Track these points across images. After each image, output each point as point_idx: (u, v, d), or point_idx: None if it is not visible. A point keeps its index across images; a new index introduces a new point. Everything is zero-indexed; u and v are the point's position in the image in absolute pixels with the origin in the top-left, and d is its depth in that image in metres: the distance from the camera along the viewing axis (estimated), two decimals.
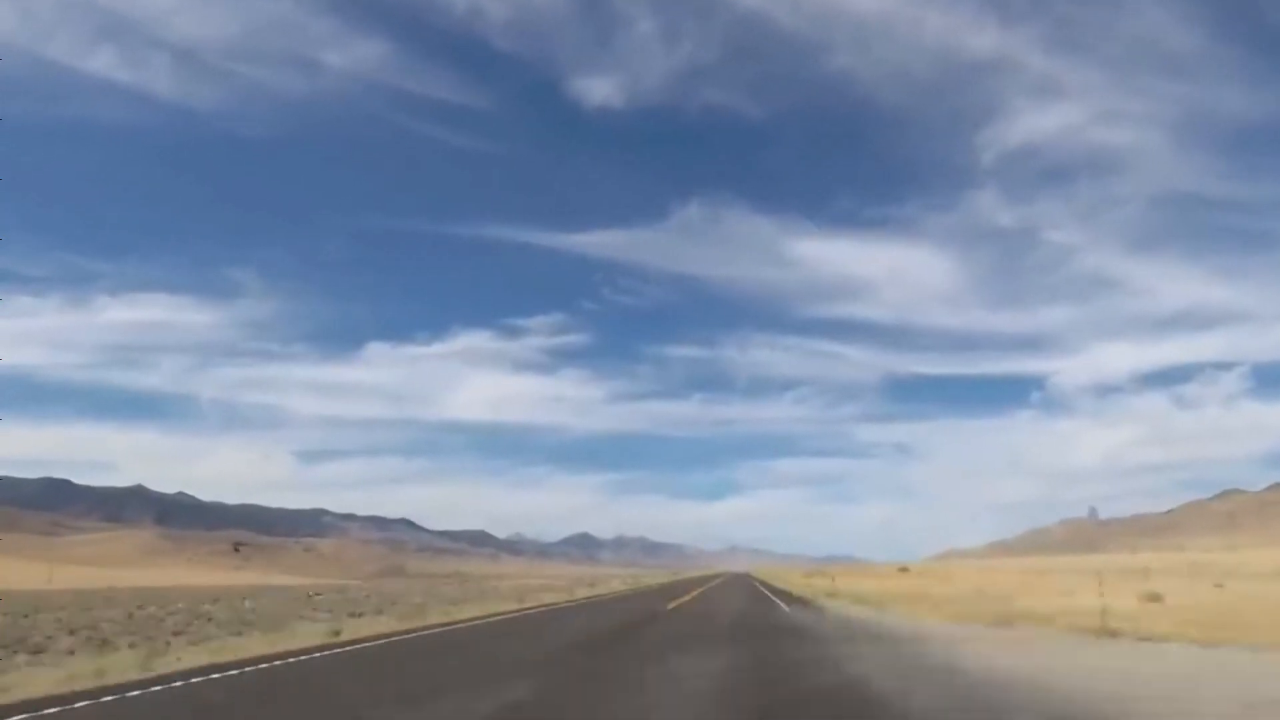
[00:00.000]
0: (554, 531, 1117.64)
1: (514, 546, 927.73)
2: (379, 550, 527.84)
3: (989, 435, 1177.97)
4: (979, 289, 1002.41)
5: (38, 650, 18.81)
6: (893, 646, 16.08)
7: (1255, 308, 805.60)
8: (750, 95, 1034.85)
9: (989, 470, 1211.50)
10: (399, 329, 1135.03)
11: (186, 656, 14.89)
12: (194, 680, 11.71)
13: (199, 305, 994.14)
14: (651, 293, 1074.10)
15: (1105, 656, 13.81)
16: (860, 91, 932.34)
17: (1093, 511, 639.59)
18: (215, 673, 12.44)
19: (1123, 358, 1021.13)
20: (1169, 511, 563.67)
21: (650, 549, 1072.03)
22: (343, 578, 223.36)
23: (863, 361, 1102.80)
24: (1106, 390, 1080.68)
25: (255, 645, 17.04)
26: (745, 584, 69.87)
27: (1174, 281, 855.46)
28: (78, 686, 11.12)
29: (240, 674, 12.48)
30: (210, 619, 33.28)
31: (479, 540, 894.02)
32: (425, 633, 20.42)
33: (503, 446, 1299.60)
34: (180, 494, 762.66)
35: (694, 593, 45.51)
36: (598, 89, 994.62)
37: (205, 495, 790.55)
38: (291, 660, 14.38)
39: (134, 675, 12.13)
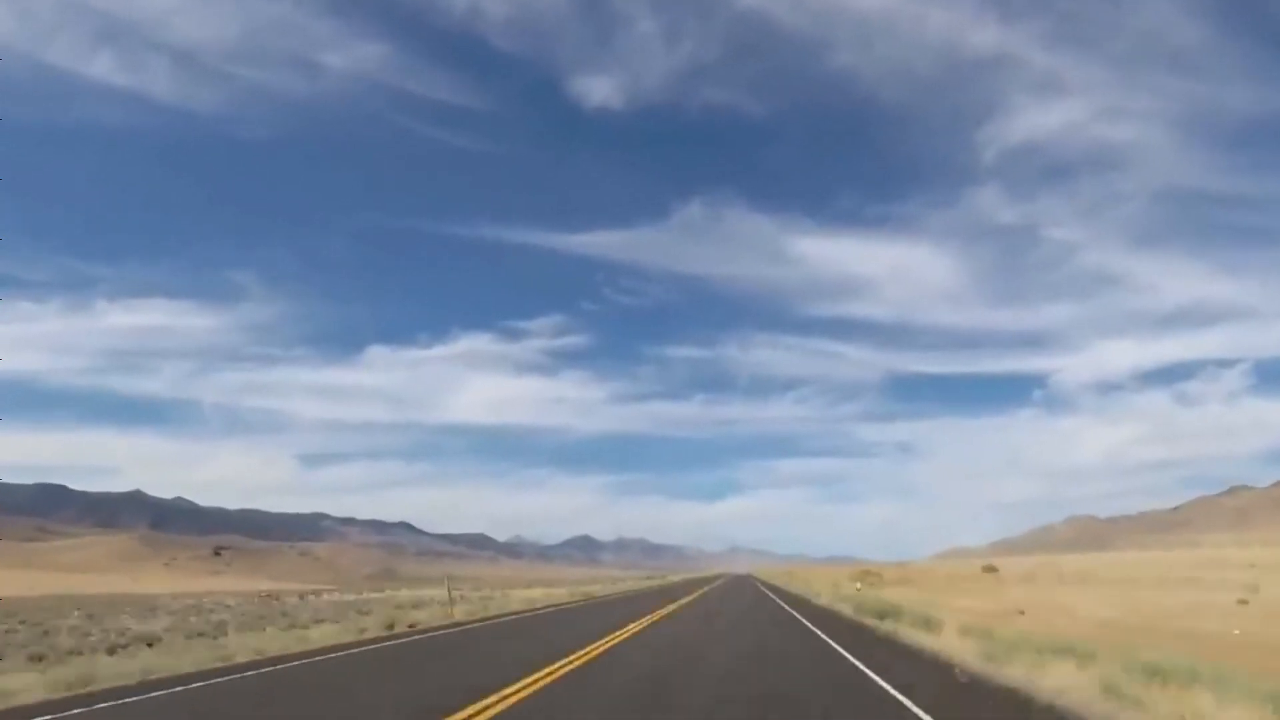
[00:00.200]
0: (554, 534, 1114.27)
1: (514, 549, 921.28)
2: (376, 554, 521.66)
3: (991, 434, 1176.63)
4: (980, 287, 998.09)
5: None
6: None
7: (1258, 304, 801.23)
8: (751, 94, 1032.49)
9: (991, 469, 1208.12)
10: (400, 332, 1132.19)
11: None
12: None
13: (200, 309, 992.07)
14: (652, 293, 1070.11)
15: None
16: (862, 89, 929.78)
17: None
18: None
19: (1125, 355, 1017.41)
20: (1177, 508, 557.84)
21: (651, 550, 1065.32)
22: (333, 582, 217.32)
23: (864, 361, 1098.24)
24: (1108, 388, 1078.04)
25: None
26: (751, 599, 41.09)
27: (1176, 278, 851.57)
28: None
29: None
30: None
31: (479, 543, 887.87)
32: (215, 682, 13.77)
33: (504, 449, 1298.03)
34: (178, 499, 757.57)
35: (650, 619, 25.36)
36: (598, 88, 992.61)
37: (205, 500, 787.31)
38: None
39: None
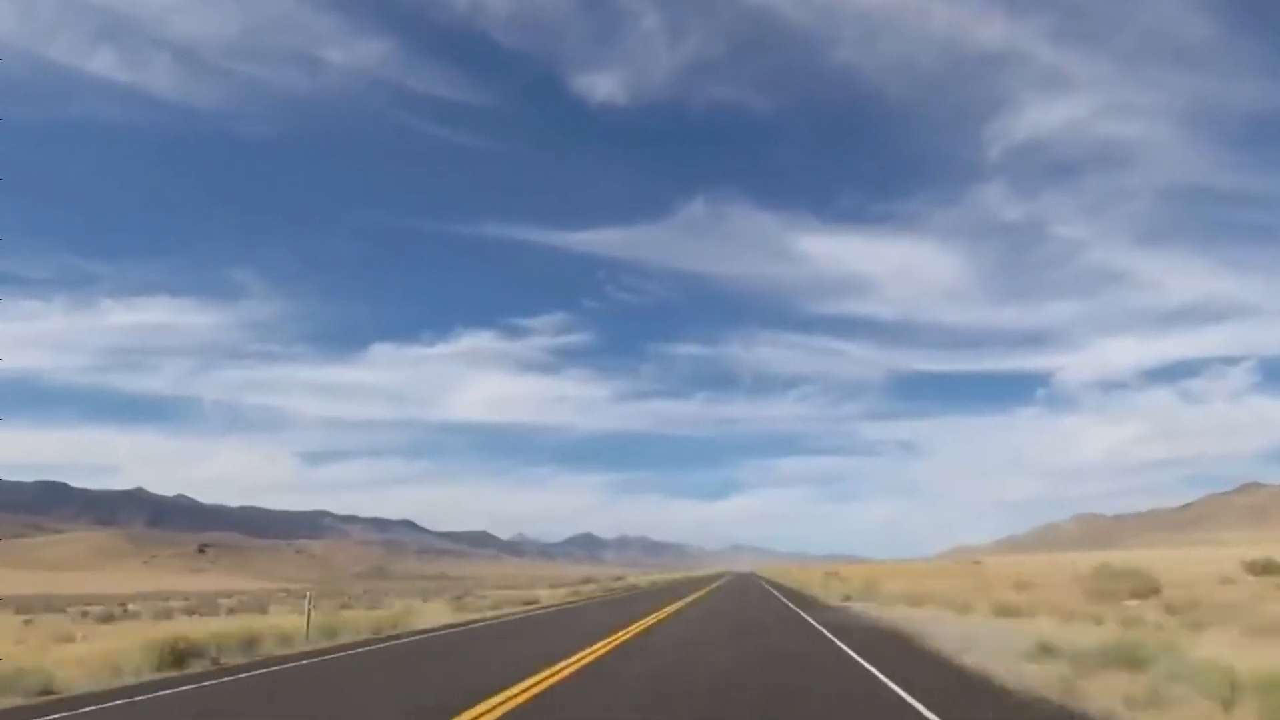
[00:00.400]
0: (557, 532, 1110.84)
1: (516, 547, 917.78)
2: (374, 552, 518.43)
3: (994, 433, 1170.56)
4: (984, 285, 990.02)
5: None
6: None
7: (1262, 301, 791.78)
8: (755, 90, 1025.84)
9: (994, 468, 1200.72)
10: (403, 330, 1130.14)
11: None
12: None
13: (201, 307, 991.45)
14: (655, 291, 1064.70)
15: None
16: (866, 86, 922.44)
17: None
18: None
19: (1128, 353, 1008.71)
20: (1185, 506, 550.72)
21: (652, 549, 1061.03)
22: (325, 580, 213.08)
23: (867, 359, 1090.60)
24: (1112, 386, 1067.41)
25: None
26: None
27: (1181, 275, 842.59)
28: None
29: None
30: None
31: (480, 541, 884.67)
32: None
33: (506, 447, 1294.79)
34: (179, 496, 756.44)
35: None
36: (601, 85, 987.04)
37: (206, 498, 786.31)
38: None
39: None
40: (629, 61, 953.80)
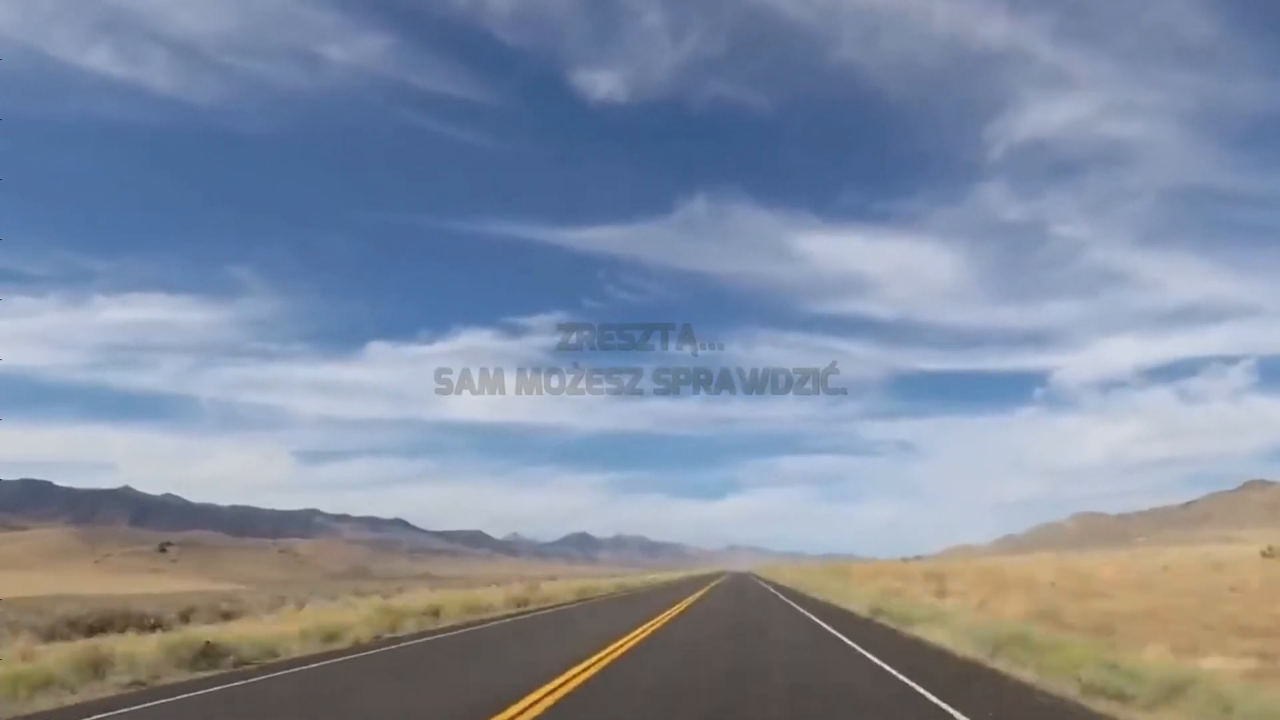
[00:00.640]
0: (552, 531, 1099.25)
1: (510, 547, 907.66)
2: (363, 551, 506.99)
3: (993, 432, 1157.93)
4: (985, 284, 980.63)
5: None
6: None
7: (1263, 301, 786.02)
8: (757, 88, 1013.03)
9: (994, 467, 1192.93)
10: (400, 328, 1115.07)
11: None
12: None
13: (198, 304, 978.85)
14: (654, 290, 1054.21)
15: None
16: (868, 84, 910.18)
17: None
18: None
19: (1127, 352, 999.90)
20: (1189, 504, 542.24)
21: (649, 548, 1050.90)
22: (293, 581, 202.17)
23: (867, 358, 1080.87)
24: (1111, 385, 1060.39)
25: None
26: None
27: (1182, 275, 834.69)
28: None
29: None
30: None
31: (475, 540, 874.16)
32: None
33: (505, 446, 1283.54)
34: (167, 495, 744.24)
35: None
36: (602, 83, 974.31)
37: (197, 497, 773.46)
38: None
39: None
40: (630, 59, 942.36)
